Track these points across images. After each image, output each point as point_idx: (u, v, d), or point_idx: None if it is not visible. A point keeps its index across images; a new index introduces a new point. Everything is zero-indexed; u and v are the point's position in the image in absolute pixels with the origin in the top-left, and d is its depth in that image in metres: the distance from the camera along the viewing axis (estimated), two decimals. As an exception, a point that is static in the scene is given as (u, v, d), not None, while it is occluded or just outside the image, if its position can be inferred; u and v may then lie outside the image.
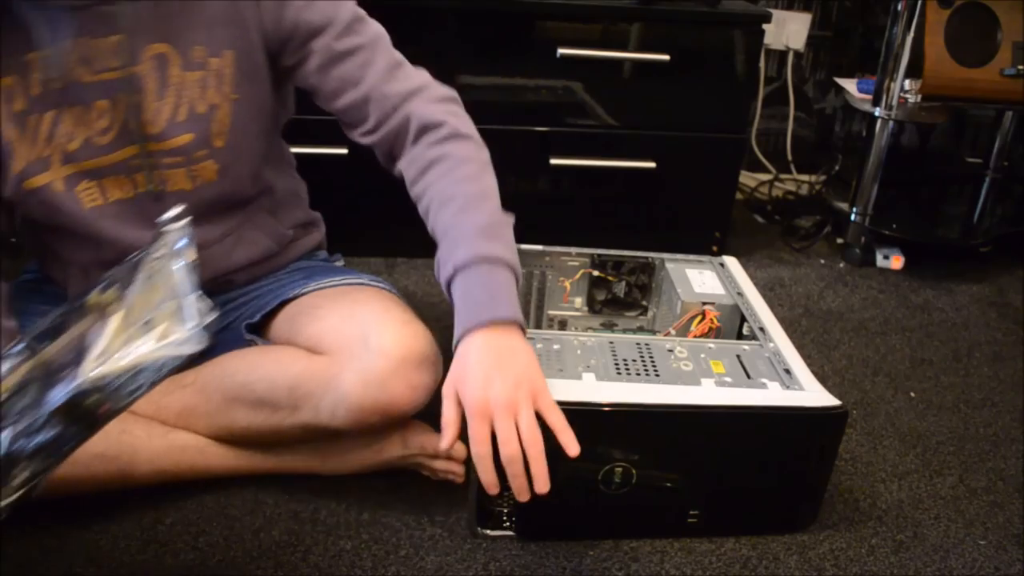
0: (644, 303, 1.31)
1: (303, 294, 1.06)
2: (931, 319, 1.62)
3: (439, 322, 1.47)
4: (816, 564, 0.99)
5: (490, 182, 0.95)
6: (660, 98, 1.66)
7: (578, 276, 1.29)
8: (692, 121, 1.69)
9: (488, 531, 1.00)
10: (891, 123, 1.75)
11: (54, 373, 0.69)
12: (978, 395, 1.37)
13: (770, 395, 0.96)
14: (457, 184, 0.93)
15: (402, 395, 0.93)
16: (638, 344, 1.05)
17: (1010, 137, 1.90)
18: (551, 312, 1.31)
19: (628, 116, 1.66)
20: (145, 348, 0.69)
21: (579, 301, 1.31)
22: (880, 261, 1.82)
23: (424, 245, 1.90)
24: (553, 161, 1.64)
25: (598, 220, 1.75)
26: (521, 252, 1.17)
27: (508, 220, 0.93)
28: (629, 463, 0.94)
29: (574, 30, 1.58)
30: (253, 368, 0.99)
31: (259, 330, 1.07)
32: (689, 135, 1.70)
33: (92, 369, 0.68)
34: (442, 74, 1.56)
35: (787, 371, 1.01)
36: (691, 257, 1.30)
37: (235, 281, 1.09)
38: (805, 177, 2.23)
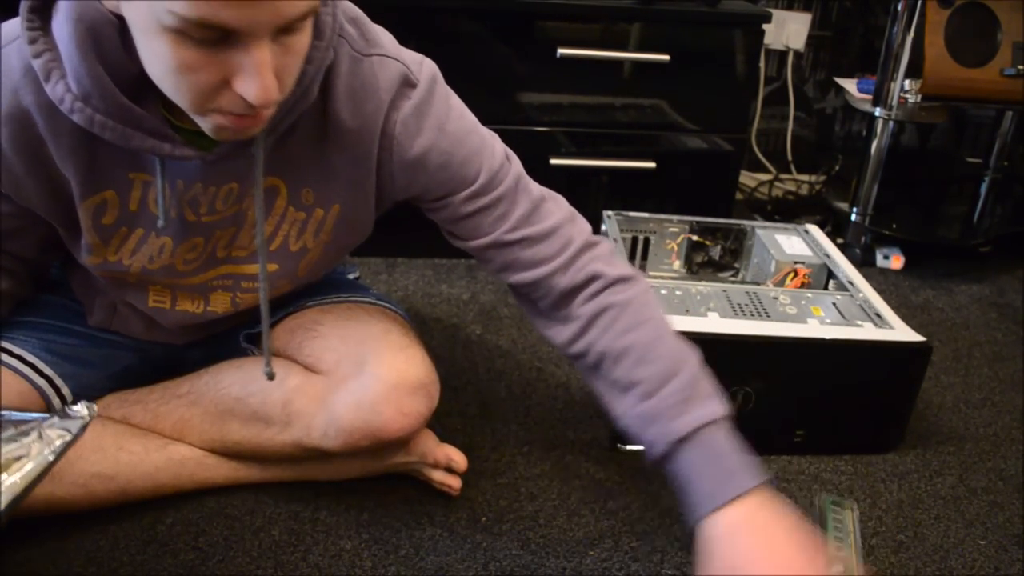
0: (736, 265, 1.49)
1: (306, 307, 1.05)
2: (931, 319, 1.62)
3: (439, 323, 1.47)
4: (816, 564, 0.99)
5: (659, 318, 0.87)
6: (660, 98, 1.66)
7: (679, 240, 1.48)
8: (692, 121, 1.69)
9: (626, 447, 1.15)
10: (891, 123, 1.75)
11: None
12: (978, 395, 1.37)
13: (866, 332, 1.14)
14: (629, 332, 0.85)
15: (392, 420, 0.92)
16: (747, 292, 1.23)
17: (1010, 137, 1.90)
18: (652, 273, 1.50)
19: (628, 116, 1.66)
20: None
21: (677, 264, 1.50)
22: (880, 261, 1.82)
23: (424, 245, 1.90)
24: (553, 161, 1.64)
25: (598, 220, 1.75)
26: (628, 218, 1.43)
27: (696, 360, 0.85)
28: (749, 388, 1.11)
29: (574, 30, 1.58)
30: (248, 382, 0.97)
31: (256, 338, 1.06)
32: (689, 135, 1.70)
33: None
34: (442, 74, 1.56)
35: (877, 315, 1.18)
36: (778, 224, 1.49)
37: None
38: (805, 177, 2.23)
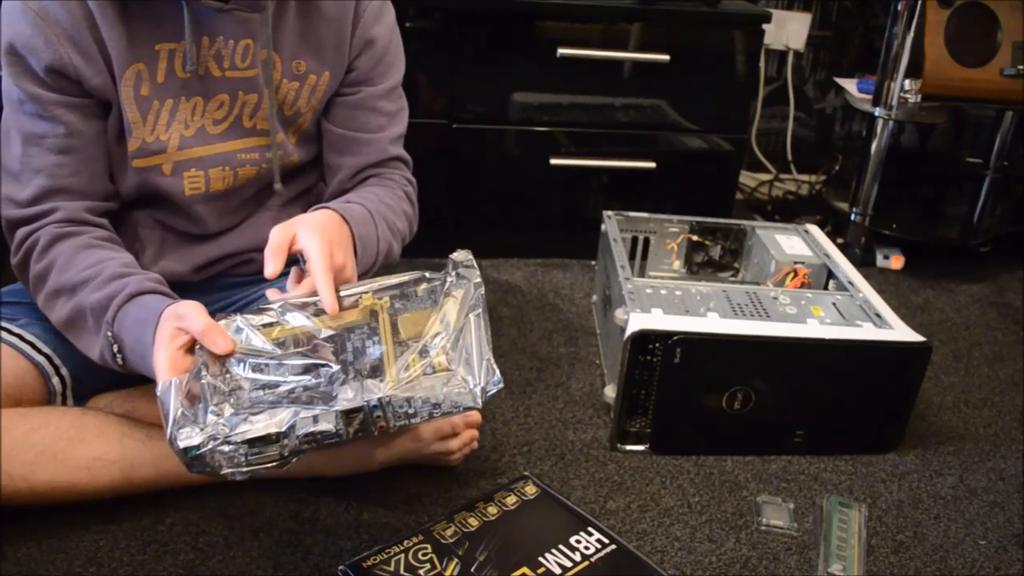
0: (736, 265, 1.49)
1: None
2: (931, 319, 1.62)
3: (439, 322, 1.47)
4: (816, 564, 0.99)
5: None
6: (660, 98, 1.66)
7: (679, 240, 1.48)
8: (692, 121, 1.69)
9: (626, 447, 1.15)
10: (891, 123, 1.75)
11: (333, 366, 0.78)
12: (978, 395, 1.37)
13: (866, 332, 1.14)
14: None
15: None
16: (747, 292, 1.23)
17: (1010, 137, 1.90)
18: (652, 273, 1.51)
19: (628, 116, 1.66)
20: (431, 384, 0.78)
21: (677, 264, 1.50)
22: (880, 261, 1.82)
23: (424, 245, 1.90)
24: (553, 161, 1.64)
25: (598, 220, 1.75)
26: (628, 218, 1.45)
27: None
28: (749, 388, 1.11)
29: (574, 30, 1.58)
30: None
31: None
32: (689, 135, 1.70)
33: (385, 389, 0.77)
34: (442, 74, 1.56)
35: (877, 315, 1.18)
36: (778, 224, 1.49)
37: (256, 260, 1.10)
38: (805, 177, 2.23)
